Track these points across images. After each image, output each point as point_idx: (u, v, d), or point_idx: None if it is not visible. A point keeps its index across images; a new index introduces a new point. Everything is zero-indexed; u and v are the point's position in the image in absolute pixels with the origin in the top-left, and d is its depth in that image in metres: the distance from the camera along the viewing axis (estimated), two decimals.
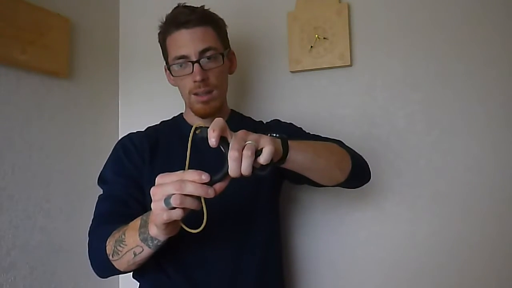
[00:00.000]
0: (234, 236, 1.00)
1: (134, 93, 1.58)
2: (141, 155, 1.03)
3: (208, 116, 1.03)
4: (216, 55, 1.03)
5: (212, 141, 0.67)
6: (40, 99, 1.28)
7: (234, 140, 0.67)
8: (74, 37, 1.40)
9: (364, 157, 1.05)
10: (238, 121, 1.13)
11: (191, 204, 0.68)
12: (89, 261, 0.92)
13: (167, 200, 0.67)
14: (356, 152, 1.02)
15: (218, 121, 0.69)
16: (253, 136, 0.70)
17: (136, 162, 1.02)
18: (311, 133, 1.12)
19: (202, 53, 1.01)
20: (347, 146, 1.02)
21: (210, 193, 0.68)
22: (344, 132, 1.29)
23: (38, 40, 1.25)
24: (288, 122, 1.17)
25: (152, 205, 0.70)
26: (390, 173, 1.27)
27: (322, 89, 1.35)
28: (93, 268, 0.92)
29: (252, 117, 1.21)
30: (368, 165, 1.05)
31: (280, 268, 1.12)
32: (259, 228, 1.04)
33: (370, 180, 1.08)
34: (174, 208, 0.67)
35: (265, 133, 0.74)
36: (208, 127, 0.68)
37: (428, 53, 1.26)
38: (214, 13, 1.07)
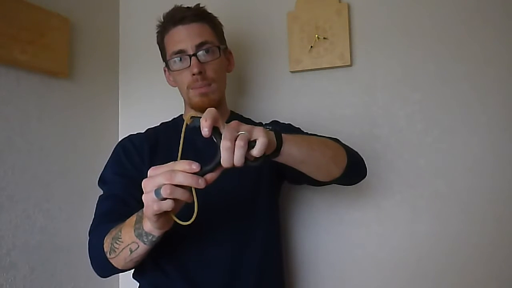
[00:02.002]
0: (233, 235, 1.00)
1: (134, 92, 1.58)
2: (141, 156, 1.03)
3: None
4: (213, 48, 1.04)
5: (205, 130, 0.66)
6: (40, 99, 1.28)
7: (226, 130, 0.66)
8: (74, 37, 1.41)
9: (364, 157, 1.05)
10: None
11: (181, 195, 0.66)
12: (89, 260, 0.92)
13: (157, 191, 0.66)
14: (351, 148, 1.02)
15: (211, 111, 0.67)
16: (246, 127, 0.69)
17: (136, 163, 1.02)
18: (309, 132, 1.12)
19: (198, 46, 1.02)
20: (342, 143, 1.02)
21: (200, 183, 0.66)
22: (344, 132, 1.28)
23: (38, 40, 1.25)
24: (286, 122, 1.17)
25: (143, 197, 0.69)
26: (390, 173, 1.27)
27: (322, 89, 1.35)
28: (93, 267, 0.92)
29: (251, 119, 1.21)
30: (363, 161, 1.04)
31: (280, 267, 1.12)
32: (259, 227, 1.04)
33: (366, 177, 1.07)
34: (165, 199, 0.66)
35: None
36: (200, 117, 0.67)
37: (428, 53, 1.26)
38: (209, 12, 1.10)
